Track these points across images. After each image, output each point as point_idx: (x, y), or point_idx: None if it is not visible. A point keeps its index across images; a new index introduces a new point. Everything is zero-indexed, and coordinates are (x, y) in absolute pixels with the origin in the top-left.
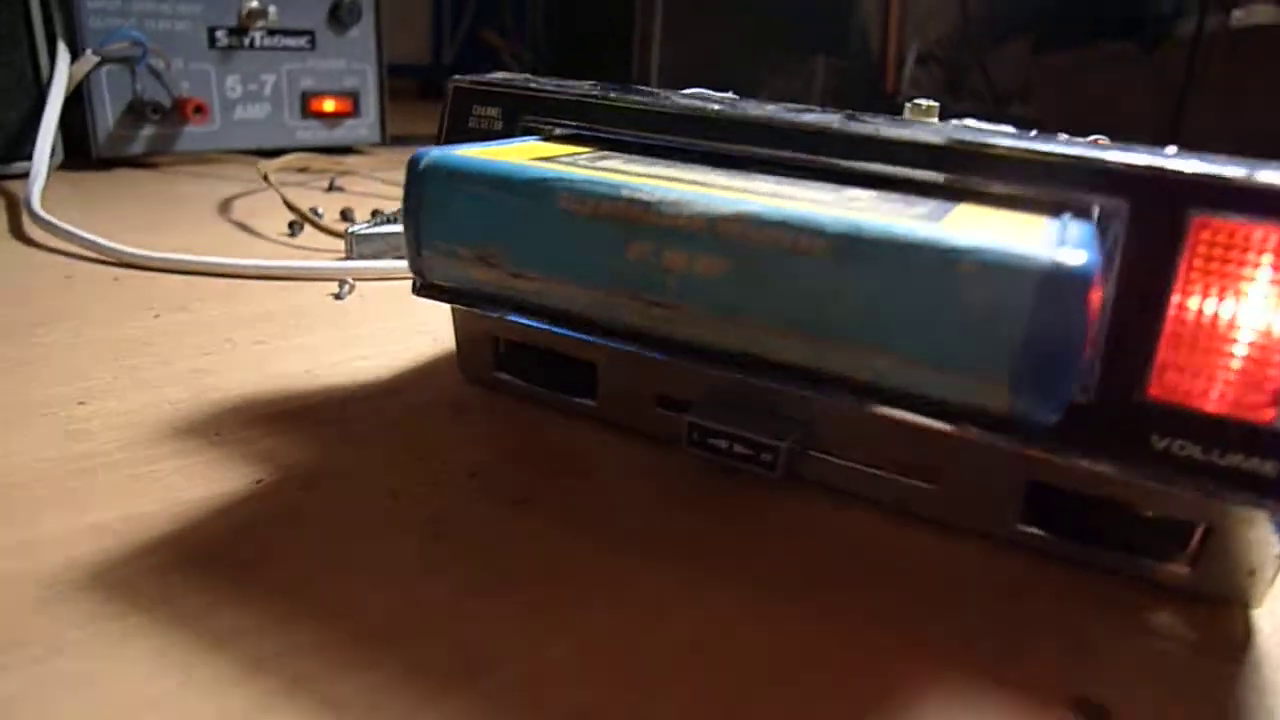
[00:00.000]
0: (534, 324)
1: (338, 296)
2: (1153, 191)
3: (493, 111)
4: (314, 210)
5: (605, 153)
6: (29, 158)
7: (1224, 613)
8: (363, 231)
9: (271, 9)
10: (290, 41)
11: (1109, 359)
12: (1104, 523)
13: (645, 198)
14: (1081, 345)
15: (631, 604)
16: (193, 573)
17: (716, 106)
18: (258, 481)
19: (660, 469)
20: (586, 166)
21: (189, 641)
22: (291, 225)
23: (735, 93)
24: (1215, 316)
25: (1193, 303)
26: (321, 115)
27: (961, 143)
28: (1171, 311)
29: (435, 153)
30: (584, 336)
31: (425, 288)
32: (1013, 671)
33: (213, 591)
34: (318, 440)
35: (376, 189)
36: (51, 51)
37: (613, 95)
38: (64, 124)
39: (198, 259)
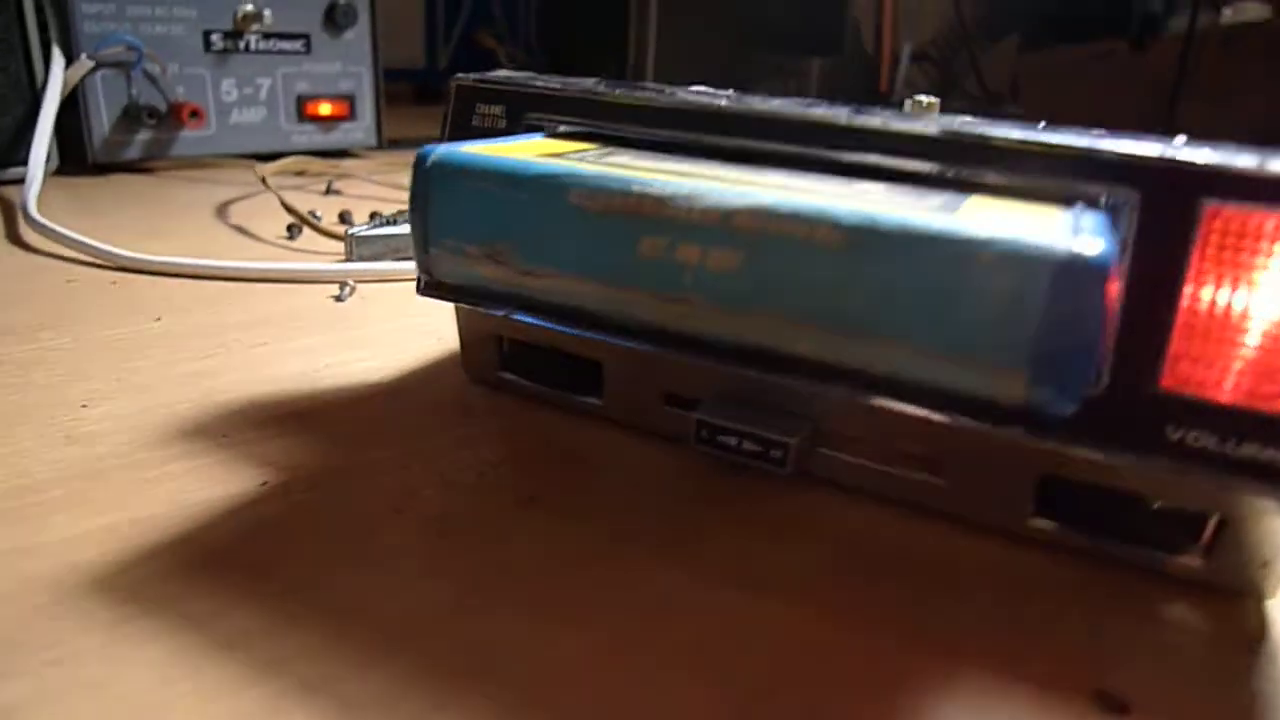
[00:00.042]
0: (542, 323)
1: (338, 298)
2: (1165, 182)
3: (496, 109)
4: (312, 213)
5: (612, 149)
6: (24, 163)
7: (1238, 605)
8: (362, 233)
9: (266, 12)
10: (285, 45)
11: (1121, 350)
12: (1117, 516)
13: (657, 192)
14: (1099, 334)
15: (640, 602)
16: (202, 575)
17: (724, 101)
18: (264, 484)
19: (668, 467)
20: (595, 162)
21: (200, 644)
22: (290, 228)
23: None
24: (1228, 306)
25: (1205, 293)
26: (317, 119)
27: (972, 135)
28: (1184, 302)
29: (442, 149)
30: (594, 335)
31: (431, 287)
32: (1032, 665)
33: (223, 594)
34: (323, 442)
35: (374, 192)
36: (46, 56)
37: (618, 91)
38: (59, 129)
39: (197, 262)
